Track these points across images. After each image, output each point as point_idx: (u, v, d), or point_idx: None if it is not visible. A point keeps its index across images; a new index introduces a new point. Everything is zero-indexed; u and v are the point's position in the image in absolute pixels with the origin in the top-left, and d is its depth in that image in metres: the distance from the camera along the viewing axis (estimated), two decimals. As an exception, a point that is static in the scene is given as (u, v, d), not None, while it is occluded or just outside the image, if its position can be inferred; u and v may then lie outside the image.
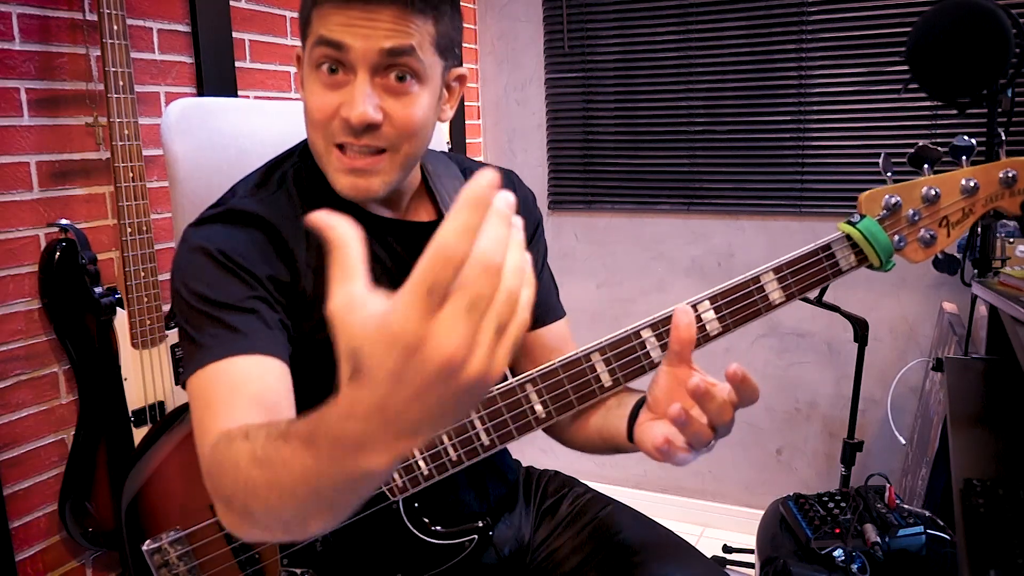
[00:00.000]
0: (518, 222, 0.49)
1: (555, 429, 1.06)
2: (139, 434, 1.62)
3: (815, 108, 2.34)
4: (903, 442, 2.26)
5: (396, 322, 0.46)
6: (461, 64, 0.98)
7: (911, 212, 0.93)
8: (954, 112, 2.11)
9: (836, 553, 1.46)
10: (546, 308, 1.12)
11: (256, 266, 0.89)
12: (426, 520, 0.97)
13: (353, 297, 0.49)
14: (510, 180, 1.12)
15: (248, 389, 0.79)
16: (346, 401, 0.52)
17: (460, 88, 0.99)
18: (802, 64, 2.34)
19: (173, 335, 1.65)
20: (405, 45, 0.85)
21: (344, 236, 0.50)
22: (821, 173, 2.37)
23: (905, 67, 1.74)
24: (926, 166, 0.93)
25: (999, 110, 1.60)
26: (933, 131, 2.20)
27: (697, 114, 2.50)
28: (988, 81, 1.57)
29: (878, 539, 1.47)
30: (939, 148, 0.93)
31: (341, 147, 0.89)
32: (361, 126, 0.86)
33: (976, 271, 1.58)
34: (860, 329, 1.92)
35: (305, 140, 1.03)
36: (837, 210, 2.35)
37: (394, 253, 0.99)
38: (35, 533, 1.60)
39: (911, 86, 1.71)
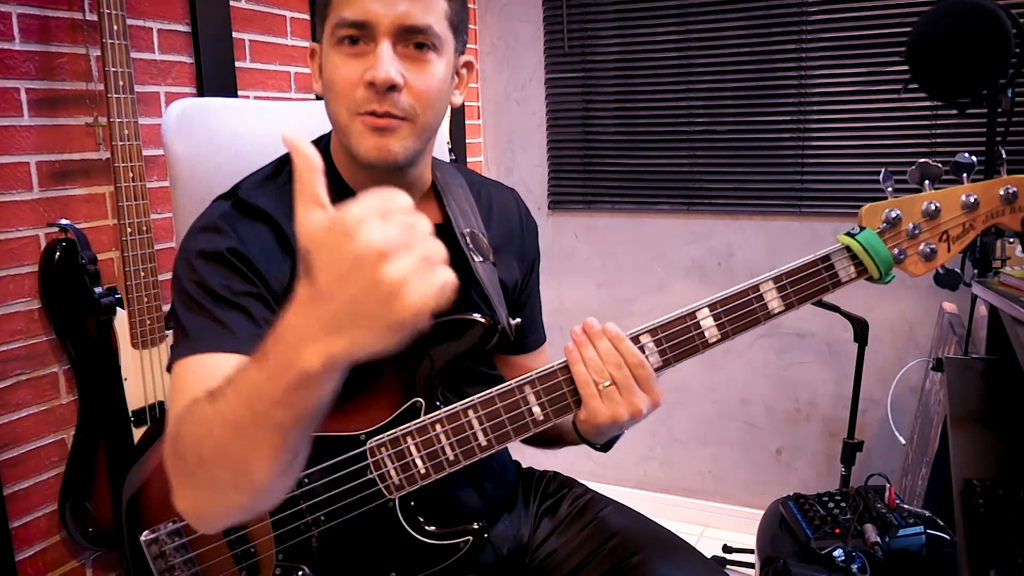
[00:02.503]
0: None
1: None
2: (139, 434, 1.62)
3: (815, 108, 2.34)
4: (903, 442, 2.26)
5: (344, 220, 0.57)
6: (465, 52, 1.03)
7: (911, 226, 0.94)
8: (954, 112, 2.11)
9: (836, 553, 1.46)
10: (537, 336, 1.21)
11: (259, 262, 0.92)
12: (421, 519, 0.97)
13: (313, 212, 0.60)
14: (516, 202, 1.18)
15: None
16: (293, 299, 0.61)
17: (468, 75, 1.04)
18: (802, 64, 2.34)
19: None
20: (423, 16, 0.90)
21: (307, 164, 0.63)
22: (821, 173, 2.37)
23: (905, 67, 1.74)
24: (927, 182, 0.94)
25: (999, 110, 1.60)
26: (933, 131, 2.21)
27: (697, 114, 2.50)
28: (988, 81, 1.57)
29: (878, 539, 1.47)
30: (940, 165, 0.94)
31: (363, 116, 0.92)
32: (384, 86, 0.89)
33: (976, 271, 1.58)
34: (860, 329, 1.92)
35: (321, 136, 1.06)
36: (837, 210, 2.35)
37: None
38: (35, 533, 1.60)
39: (911, 86, 1.71)
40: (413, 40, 0.91)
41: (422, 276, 0.57)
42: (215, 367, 0.82)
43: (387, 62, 0.89)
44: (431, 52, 0.92)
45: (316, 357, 0.60)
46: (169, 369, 0.90)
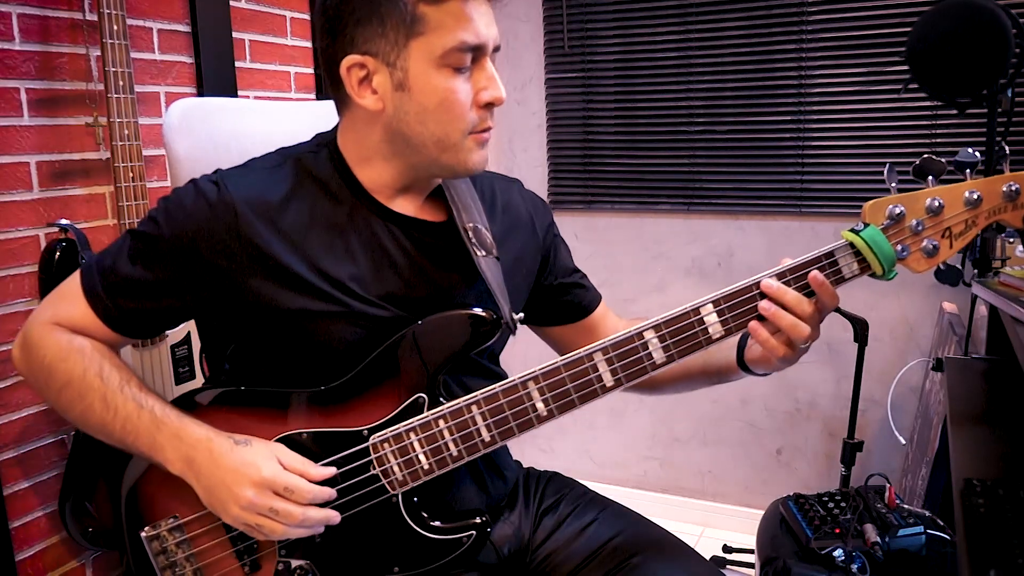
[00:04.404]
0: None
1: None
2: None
3: (815, 108, 2.34)
4: (903, 442, 2.27)
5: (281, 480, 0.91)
6: None
7: (914, 222, 0.93)
8: (954, 112, 2.11)
9: (836, 553, 1.46)
10: (592, 295, 1.23)
11: (214, 254, 0.94)
12: (425, 515, 0.98)
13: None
14: (520, 195, 1.18)
15: (85, 349, 0.99)
16: (210, 439, 0.93)
17: None
18: (802, 64, 2.34)
19: (173, 335, 1.65)
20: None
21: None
22: (821, 173, 2.36)
23: (905, 67, 1.74)
24: (930, 178, 0.94)
25: (999, 110, 1.60)
26: (933, 131, 2.20)
27: (697, 114, 2.50)
28: (988, 81, 1.57)
29: (878, 539, 1.47)
30: (943, 161, 0.93)
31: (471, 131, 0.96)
32: (502, 104, 0.97)
33: (976, 271, 1.58)
34: (860, 329, 1.92)
35: (326, 135, 1.05)
36: (837, 210, 2.35)
37: (403, 247, 1.01)
38: (35, 533, 1.60)
39: (911, 86, 1.71)
40: (493, 57, 0.98)
41: (272, 531, 0.92)
42: (96, 327, 0.98)
43: (500, 83, 0.96)
44: None
45: (174, 467, 0.94)
46: (83, 271, 0.99)
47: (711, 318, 0.93)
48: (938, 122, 2.19)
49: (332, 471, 0.95)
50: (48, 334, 0.98)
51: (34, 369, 1.00)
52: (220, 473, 0.91)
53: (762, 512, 1.75)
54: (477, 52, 0.94)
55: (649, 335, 0.93)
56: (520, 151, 2.83)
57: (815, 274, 0.92)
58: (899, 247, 0.93)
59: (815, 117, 2.35)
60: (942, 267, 0.95)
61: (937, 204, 0.92)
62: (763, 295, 0.93)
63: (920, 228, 0.93)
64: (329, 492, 0.94)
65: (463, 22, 0.90)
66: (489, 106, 0.96)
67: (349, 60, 0.93)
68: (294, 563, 0.97)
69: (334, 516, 0.94)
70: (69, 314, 0.99)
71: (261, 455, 0.92)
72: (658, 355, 0.93)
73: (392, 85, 0.93)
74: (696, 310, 0.93)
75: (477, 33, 0.92)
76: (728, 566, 2.32)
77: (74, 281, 0.99)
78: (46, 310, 1.00)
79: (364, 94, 0.95)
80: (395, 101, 0.94)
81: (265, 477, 0.90)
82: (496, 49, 0.97)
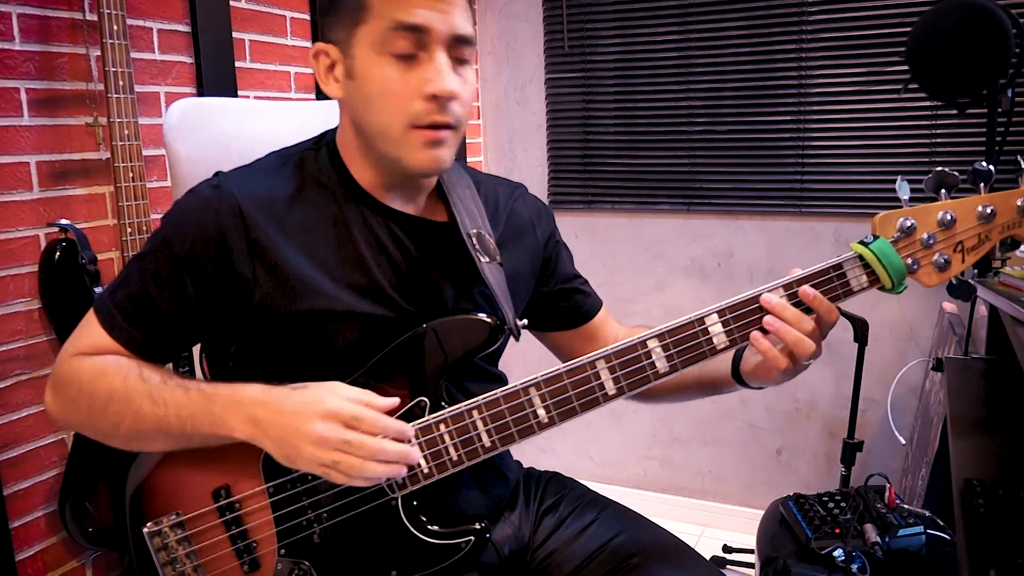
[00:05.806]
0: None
1: None
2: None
3: (815, 108, 2.34)
4: (903, 442, 2.27)
5: (344, 410, 0.87)
6: None
7: (926, 236, 0.91)
8: (954, 112, 2.11)
9: (836, 553, 1.46)
10: (593, 300, 1.22)
11: (224, 257, 0.94)
12: (424, 519, 0.98)
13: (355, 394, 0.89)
14: (524, 199, 1.17)
15: (120, 361, 0.97)
16: (267, 392, 0.89)
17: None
18: (802, 64, 2.34)
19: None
20: (468, 26, 0.94)
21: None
22: (821, 173, 2.37)
23: (905, 67, 1.74)
24: (943, 191, 0.92)
25: (999, 110, 1.60)
26: (933, 131, 2.20)
27: (697, 114, 2.50)
28: (988, 81, 1.57)
29: (878, 539, 1.47)
30: (957, 174, 0.92)
31: (417, 126, 0.92)
32: (451, 99, 0.91)
33: (976, 271, 1.58)
34: (860, 329, 1.92)
35: (327, 131, 1.06)
36: (837, 210, 2.35)
37: (403, 247, 1.01)
38: (35, 533, 1.60)
39: (911, 86, 1.71)
40: (458, 51, 0.93)
41: (351, 468, 0.86)
42: (118, 352, 0.97)
43: (450, 74, 0.91)
44: (468, 66, 0.96)
45: (241, 432, 0.89)
46: (100, 300, 0.98)
47: (715, 328, 0.93)
48: (938, 122, 2.19)
49: (395, 401, 0.91)
50: (77, 363, 0.97)
51: (71, 400, 0.98)
52: (285, 419, 0.87)
53: (762, 512, 1.75)
54: (423, 38, 0.90)
55: (653, 344, 0.93)
56: (520, 151, 2.82)
57: (805, 289, 0.91)
58: (909, 260, 0.91)
59: (815, 117, 2.35)
60: (954, 282, 0.94)
61: (949, 218, 0.90)
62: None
63: (932, 242, 0.91)
64: (400, 425, 0.90)
65: (401, 3, 0.89)
66: (436, 99, 0.91)
67: (315, 47, 0.97)
68: (293, 563, 0.97)
69: (413, 453, 0.90)
70: (93, 344, 0.97)
71: (323, 390, 0.89)
72: (661, 364, 0.93)
73: (346, 73, 0.95)
74: (700, 320, 0.93)
75: (414, 13, 0.89)
76: (728, 566, 2.32)
77: (90, 317, 0.98)
78: (67, 349, 0.99)
79: (328, 81, 0.97)
80: (348, 90, 0.96)
81: (330, 408, 0.86)
82: (463, 41, 0.93)
